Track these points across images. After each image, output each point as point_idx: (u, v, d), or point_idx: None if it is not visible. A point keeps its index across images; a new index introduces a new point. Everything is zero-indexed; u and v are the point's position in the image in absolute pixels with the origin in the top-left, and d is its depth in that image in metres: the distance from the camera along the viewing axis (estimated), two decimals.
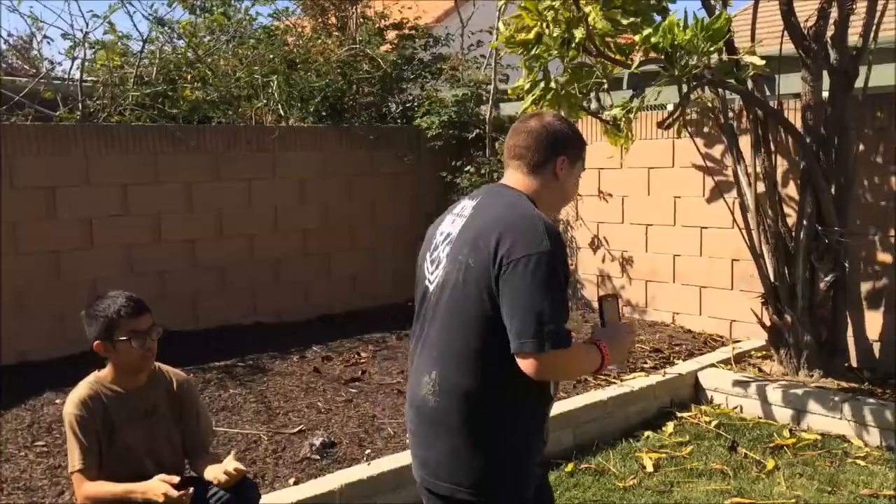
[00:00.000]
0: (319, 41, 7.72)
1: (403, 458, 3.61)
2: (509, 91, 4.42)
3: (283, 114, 7.05)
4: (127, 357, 2.69)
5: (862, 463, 3.96)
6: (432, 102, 7.18)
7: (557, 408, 4.27)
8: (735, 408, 4.74)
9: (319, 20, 8.40)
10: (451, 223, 2.13)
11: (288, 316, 6.39)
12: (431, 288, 2.09)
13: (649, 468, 3.96)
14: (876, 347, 5.04)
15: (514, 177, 2.13)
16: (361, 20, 8.16)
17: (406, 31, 8.13)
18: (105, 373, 2.76)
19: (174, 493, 2.50)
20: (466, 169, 6.98)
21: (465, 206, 2.13)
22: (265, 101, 7.01)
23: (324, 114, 7.28)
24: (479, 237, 1.98)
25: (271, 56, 7.24)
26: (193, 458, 2.85)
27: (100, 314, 2.67)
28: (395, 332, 5.94)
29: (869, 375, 4.83)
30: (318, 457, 3.72)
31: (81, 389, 2.72)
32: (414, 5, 8.49)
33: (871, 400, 4.31)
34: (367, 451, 3.80)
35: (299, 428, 4.07)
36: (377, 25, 8.07)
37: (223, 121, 6.84)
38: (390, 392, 4.65)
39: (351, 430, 4.06)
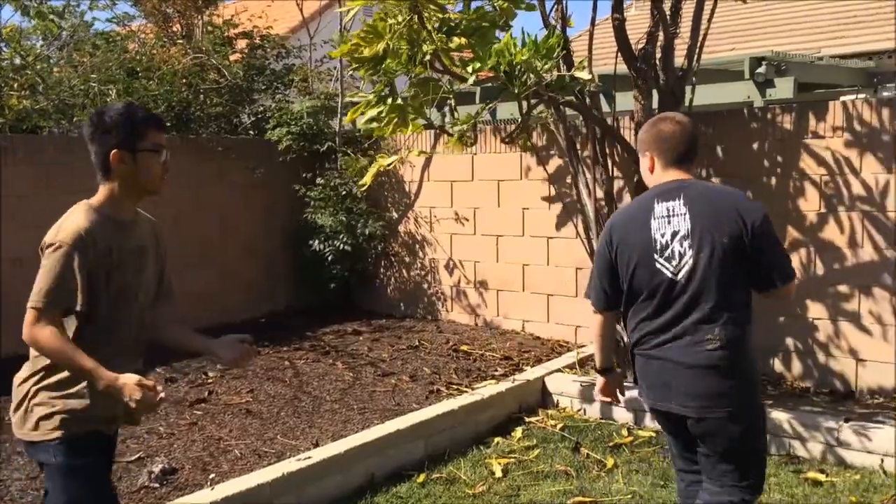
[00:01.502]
0: (163, 49, 7.44)
1: (251, 480, 3.52)
2: (351, 112, 4.41)
3: None
4: (147, 173, 2.35)
5: None
6: (283, 114, 7.08)
7: (409, 419, 4.31)
8: (579, 410, 4.94)
9: (162, 28, 8.09)
10: (666, 222, 2.60)
11: None
12: (679, 276, 2.56)
13: (498, 474, 4.05)
14: None
15: (681, 171, 2.67)
16: (209, 28, 7.93)
17: (256, 41, 7.98)
18: (100, 199, 2.35)
19: (154, 395, 2.19)
20: (318, 182, 6.93)
21: (672, 207, 2.60)
22: None
23: (168, 124, 7.01)
24: (721, 223, 2.54)
25: (110, 64, 6.90)
26: (159, 315, 2.57)
27: (121, 119, 2.30)
28: None
29: None
30: (157, 485, 3.56)
31: (79, 218, 2.28)
32: (264, 15, 8.34)
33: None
34: (212, 476, 3.67)
35: (137, 455, 3.88)
36: (225, 34, 7.86)
37: (56, 131, 6.44)
38: (238, 412, 4.52)
39: (194, 455, 3.92)
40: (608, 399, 3.03)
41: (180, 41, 7.75)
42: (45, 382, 2.30)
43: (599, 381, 2.97)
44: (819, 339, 4.94)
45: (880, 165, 4.68)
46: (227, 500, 3.37)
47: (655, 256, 2.59)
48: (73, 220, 2.28)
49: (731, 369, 2.55)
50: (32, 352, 2.31)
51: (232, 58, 7.82)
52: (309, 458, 3.77)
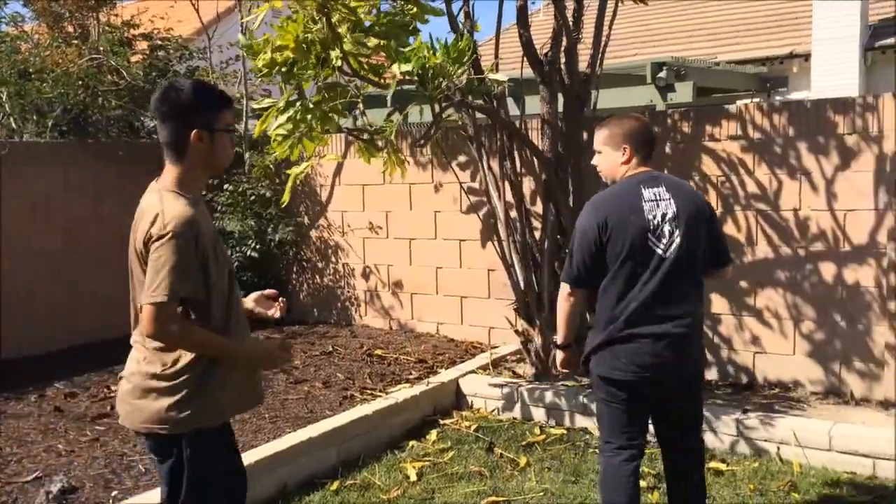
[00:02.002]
0: (58, 50, 7.13)
1: (155, 496, 3.38)
2: (259, 123, 4.32)
3: (15, 128, 6.41)
4: (222, 152, 2.35)
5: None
6: None
7: (321, 426, 4.25)
8: (493, 410, 4.99)
9: (54, 28, 7.75)
10: (656, 206, 2.88)
11: (30, 349, 5.79)
12: (668, 253, 2.86)
13: (413, 477, 4.05)
14: None
15: (649, 164, 3.01)
16: (106, 29, 7.64)
17: (158, 42, 7.74)
18: (177, 180, 2.30)
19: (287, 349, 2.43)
20: (225, 187, 6.77)
21: (658, 192, 2.90)
22: None
23: (65, 128, 6.72)
24: (695, 207, 2.92)
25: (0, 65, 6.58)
26: None
27: (200, 98, 2.29)
28: None
29: None
30: None
31: (177, 203, 2.23)
32: (167, 16, 8.10)
33: None
34: (114, 493, 3.53)
35: (35, 475, 3.70)
36: (124, 35, 7.59)
37: None
38: None
39: (96, 472, 3.76)
40: (569, 370, 3.23)
41: (75, 41, 7.44)
42: (169, 372, 2.28)
43: (561, 355, 3.14)
44: (721, 333, 5.14)
45: (772, 166, 4.90)
46: None
47: (649, 236, 2.86)
48: (173, 207, 2.23)
49: (696, 336, 3.00)
50: (144, 346, 2.30)
51: (133, 59, 7.56)
52: None
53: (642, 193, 2.90)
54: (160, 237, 2.20)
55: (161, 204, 2.25)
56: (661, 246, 2.87)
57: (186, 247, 2.20)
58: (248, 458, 3.80)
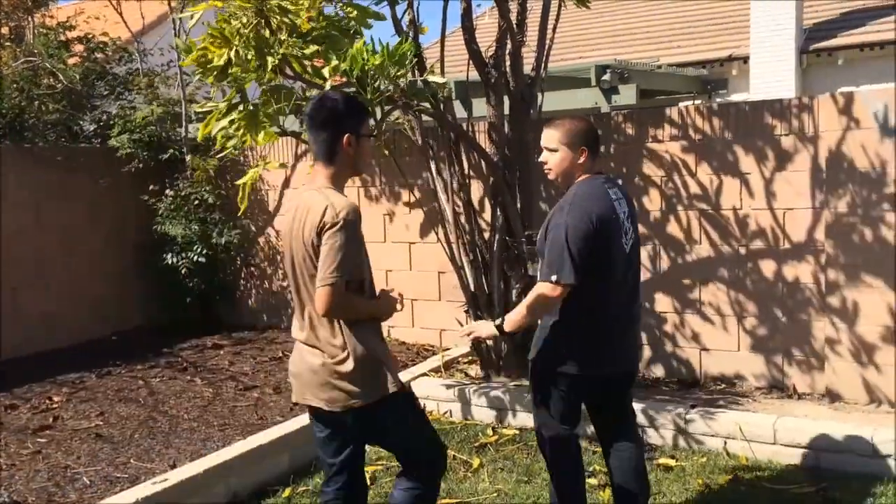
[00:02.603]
0: None
1: None
2: (203, 126, 4.25)
3: None
4: (365, 156, 2.73)
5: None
6: (127, 121, 6.73)
7: (272, 433, 4.20)
8: (445, 412, 4.99)
9: None
10: (619, 205, 3.03)
11: None
12: (628, 249, 3.05)
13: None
14: None
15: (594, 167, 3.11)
16: (41, 31, 7.43)
17: (96, 44, 7.56)
18: (329, 181, 2.66)
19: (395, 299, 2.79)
20: (166, 192, 6.64)
21: (616, 193, 3.07)
22: None
23: (0, 133, 6.52)
24: (633, 206, 3.16)
25: None
26: None
27: (352, 106, 2.68)
28: (95, 370, 5.47)
29: None
30: None
31: (342, 197, 2.61)
32: (104, 17, 7.91)
33: None
34: None
35: None
36: (60, 37, 7.39)
37: None
38: (87, 437, 4.26)
39: (38, 486, 3.65)
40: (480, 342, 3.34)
41: (9, 44, 7.22)
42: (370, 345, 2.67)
43: (488, 334, 3.23)
44: (666, 331, 5.23)
45: (713, 167, 5.02)
46: None
47: (622, 235, 3.03)
48: (340, 199, 2.58)
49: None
50: (318, 344, 2.67)
51: (70, 61, 7.37)
52: (165, 480, 3.60)
53: (608, 193, 3.04)
54: (333, 225, 2.52)
55: (327, 198, 2.57)
56: (626, 242, 3.05)
57: (355, 232, 2.56)
58: (197, 467, 3.76)
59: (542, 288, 2.98)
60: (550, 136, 3.10)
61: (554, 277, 2.93)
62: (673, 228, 5.15)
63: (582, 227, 2.92)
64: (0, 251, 5.99)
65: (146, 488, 3.52)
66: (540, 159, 3.18)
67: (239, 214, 4.84)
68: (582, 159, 3.05)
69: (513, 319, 3.08)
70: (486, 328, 3.21)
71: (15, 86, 6.72)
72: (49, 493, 3.59)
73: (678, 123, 5.12)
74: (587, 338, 3.02)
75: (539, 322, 3.15)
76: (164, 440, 4.24)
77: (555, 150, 3.07)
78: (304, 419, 4.41)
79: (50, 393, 5.01)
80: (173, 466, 3.84)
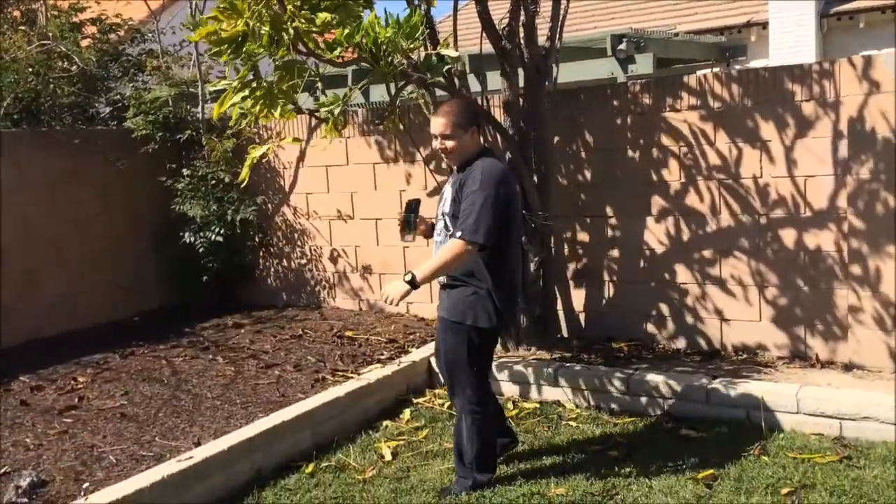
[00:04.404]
0: (5, 37, 6.92)
1: (128, 487, 3.36)
2: (217, 105, 4.23)
3: None
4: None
5: (573, 424, 4.37)
6: (142, 103, 6.74)
7: (293, 411, 4.23)
8: None
9: (0, 14, 7.52)
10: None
11: None
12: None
13: (388, 457, 4.05)
14: (582, 318, 5.58)
15: None
16: (54, 13, 7.43)
17: (108, 25, 7.55)
18: None
19: None
20: (184, 172, 6.66)
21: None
22: None
23: (17, 117, 6.55)
24: None
25: None
26: None
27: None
28: (118, 350, 5.52)
29: (578, 344, 5.34)
30: (25, 500, 3.34)
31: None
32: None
33: (579, 366, 4.76)
34: (86, 485, 3.48)
35: (3, 470, 3.63)
36: (72, 19, 7.39)
37: None
38: (112, 416, 4.30)
39: (66, 465, 3.70)
40: (395, 303, 3.45)
41: (22, 27, 7.23)
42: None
43: (406, 289, 3.37)
44: (688, 303, 5.20)
45: (733, 135, 4.95)
46: None
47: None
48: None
49: None
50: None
51: (83, 43, 7.37)
52: (191, 458, 3.64)
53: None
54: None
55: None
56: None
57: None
58: (221, 444, 3.79)
59: (459, 244, 3.33)
60: (447, 123, 3.41)
61: (474, 237, 3.28)
62: (692, 200, 5.10)
63: (510, 193, 3.41)
64: (19, 233, 6.04)
65: (171, 466, 3.56)
66: (436, 146, 3.50)
67: (240, 182, 4.82)
68: (478, 135, 3.50)
69: (430, 272, 3.41)
70: (396, 288, 3.38)
71: (30, 70, 6.73)
72: (76, 471, 3.64)
73: (696, 92, 5.04)
74: (505, 294, 3.50)
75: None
76: (187, 418, 4.29)
77: (459, 134, 3.41)
78: (325, 396, 4.45)
79: (75, 374, 5.06)
80: (198, 444, 3.88)
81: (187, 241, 6.59)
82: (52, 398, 4.63)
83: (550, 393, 4.73)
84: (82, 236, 6.49)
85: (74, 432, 4.10)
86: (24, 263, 6.06)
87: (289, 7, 3.65)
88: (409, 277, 3.34)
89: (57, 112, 6.89)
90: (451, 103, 3.53)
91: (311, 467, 3.94)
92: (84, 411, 4.41)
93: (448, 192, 3.58)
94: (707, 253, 5.10)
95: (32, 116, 6.74)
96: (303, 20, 3.62)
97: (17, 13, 7.60)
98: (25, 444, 3.96)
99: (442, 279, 3.56)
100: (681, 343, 5.23)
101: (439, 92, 5.29)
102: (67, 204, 6.39)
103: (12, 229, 5.99)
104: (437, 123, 3.45)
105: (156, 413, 4.36)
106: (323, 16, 3.56)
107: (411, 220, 3.70)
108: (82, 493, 3.39)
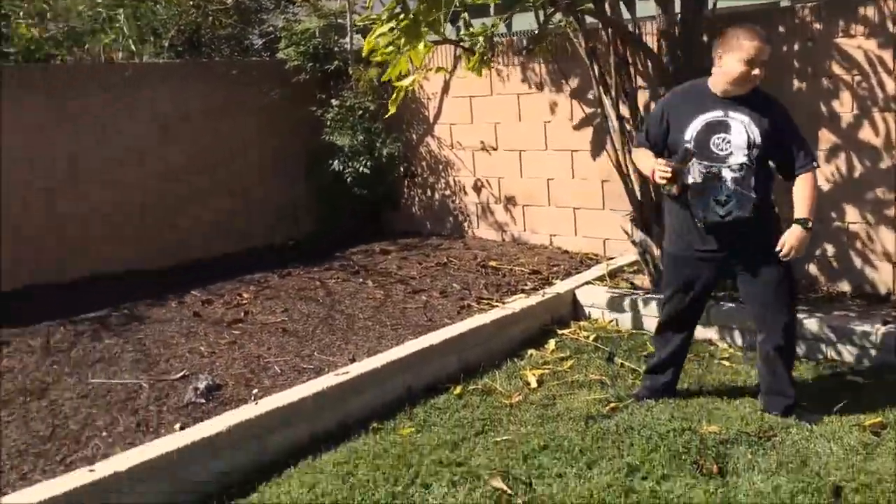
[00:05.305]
0: None
1: (292, 395, 3.59)
2: (367, 42, 4.27)
3: (135, 50, 6.61)
4: None
5: (727, 363, 4.26)
6: (293, 34, 6.91)
7: (441, 335, 4.34)
8: (611, 321, 4.97)
9: None
10: None
11: (161, 262, 6.12)
12: None
13: (533, 384, 4.10)
14: None
15: None
16: None
17: None
18: None
19: None
20: (333, 103, 6.82)
21: None
22: (114, 36, 6.55)
23: (180, 49, 6.88)
24: None
25: None
26: None
27: None
28: (276, 271, 5.83)
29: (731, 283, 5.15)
30: (203, 400, 3.63)
31: None
32: None
33: (731, 304, 4.61)
34: (255, 391, 3.74)
35: (182, 374, 3.96)
36: None
37: (69, 59, 6.35)
38: (275, 331, 4.57)
39: (236, 372, 3.98)
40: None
41: None
42: None
43: (807, 238, 3.33)
44: (854, 244, 4.90)
45: None
46: (270, 413, 3.45)
47: None
48: None
49: None
50: None
51: None
52: (347, 372, 3.83)
53: None
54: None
55: None
56: None
57: None
58: (375, 362, 3.96)
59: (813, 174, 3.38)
60: (769, 51, 3.35)
61: (815, 163, 3.39)
62: (866, 133, 4.74)
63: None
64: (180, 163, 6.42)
65: (330, 379, 3.76)
66: (755, 74, 3.36)
67: (386, 116, 4.88)
68: None
69: (812, 209, 3.34)
70: (802, 241, 3.30)
71: (191, 3, 7.03)
72: (246, 378, 3.91)
73: (873, 15, 4.64)
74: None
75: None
76: (342, 336, 4.49)
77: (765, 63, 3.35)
78: (470, 322, 4.54)
79: (239, 290, 5.39)
80: (353, 360, 4.07)
81: (336, 168, 6.80)
82: (221, 311, 4.96)
83: (699, 331, 4.58)
84: (243, 164, 6.82)
85: (242, 343, 4.39)
86: (188, 190, 6.46)
87: None
88: (808, 224, 3.30)
89: (216, 44, 7.19)
90: (752, 28, 3.40)
91: (458, 389, 4.05)
92: (249, 325, 4.71)
93: (741, 120, 3.42)
94: (880, 191, 4.76)
95: (194, 48, 7.07)
96: None
97: None
98: (200, 351, 4.28)
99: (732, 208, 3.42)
100: (845, 286, 4.95)
101: (589, 19, 5.14)
102: (226, 132, 6.71)
103: (178, 158, 6.38)
104: (766, 50, 3.32)
105: (313, 330, 4.60)
106: None
107: (684, 172, 3.43)
108: (252, 398, 3.65)
